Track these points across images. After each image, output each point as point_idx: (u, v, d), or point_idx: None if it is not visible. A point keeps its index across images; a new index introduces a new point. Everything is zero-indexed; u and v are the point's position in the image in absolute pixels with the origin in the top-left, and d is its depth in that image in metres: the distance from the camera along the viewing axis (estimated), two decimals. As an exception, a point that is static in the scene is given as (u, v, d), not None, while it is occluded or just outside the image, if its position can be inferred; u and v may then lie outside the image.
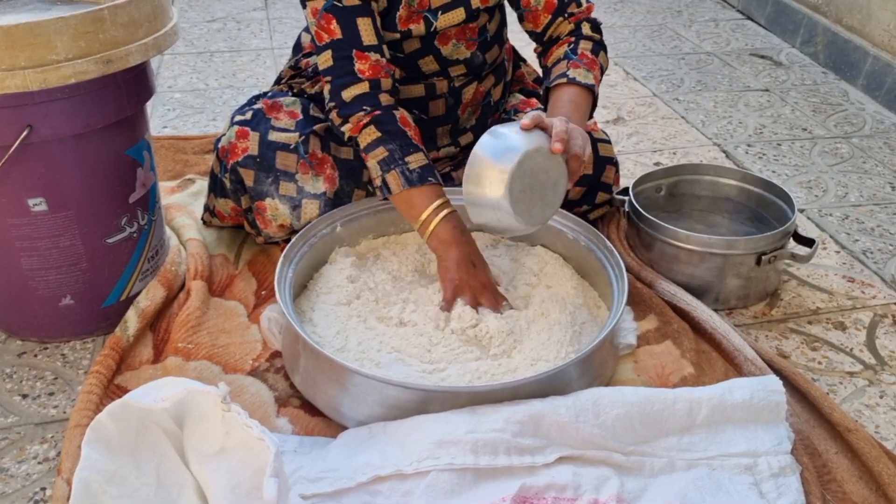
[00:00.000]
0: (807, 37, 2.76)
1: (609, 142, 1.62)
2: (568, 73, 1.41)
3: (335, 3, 1.35)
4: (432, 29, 1.45)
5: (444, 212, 1.33)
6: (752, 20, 3.06)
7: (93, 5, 1.26)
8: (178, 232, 1.63)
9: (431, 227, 1.33)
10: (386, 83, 1.38)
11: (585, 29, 1.47)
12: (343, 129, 1.39)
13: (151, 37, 1.25)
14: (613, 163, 1.61)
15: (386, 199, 1.38)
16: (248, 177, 1.47)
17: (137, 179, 1.38)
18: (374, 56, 1.36)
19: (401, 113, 1.38)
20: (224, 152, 1.49)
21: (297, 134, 1.48)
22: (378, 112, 1.36)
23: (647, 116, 2.32)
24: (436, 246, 1.35)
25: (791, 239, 1.51)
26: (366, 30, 1.36)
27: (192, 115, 2.29)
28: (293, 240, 1.41)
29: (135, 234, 1.40)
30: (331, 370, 1.18)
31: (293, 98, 1.56)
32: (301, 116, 1.51)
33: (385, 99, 1.38)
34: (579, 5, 1.48)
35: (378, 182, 1.37)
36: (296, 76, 1.64)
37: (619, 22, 3.05)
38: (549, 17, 1.48)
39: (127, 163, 1.35)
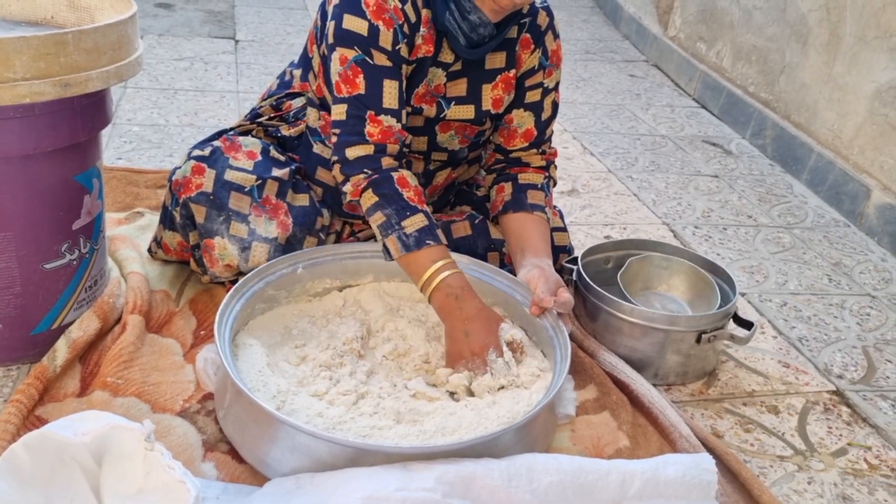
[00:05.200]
0: (756, 129, 2.87)
1: (565, 230, 1.67)
2: (546, 211, 1.53)
3: (367, 58, 1.35)
4: (442, 115, 1.47)
5: (438, 278, 1.33)
6: (706, 109, 3.19)
7: (58, 29, 1.25)
8: (121, 264, 1.59)
9: (428, 296, 1.35)
10: (392, 148, 1.37)
11: (553, 171, 1.60)
12: (344, 188, 1.39)
13: (114, 65, 1.24)
14: (567, 250, 1.66)
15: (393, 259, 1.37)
16: (200, 213, 1.45)
17: (84, 206, 1.35)
18: (387, 121, 1.36)
19: (399, 174, 1.37)
20: (177, 185, 1.47)
21: (255, 177, 1.47)
22: (376, 175, 1.35)
23: (601, 191, 2.37)
24: (438, 315, 1.36)
25: (731, 320, 1.54)
26: (390, 92, 1.36)
27: (148, 149, 2.27)
28: (249, 274, 1.39)
29: (74, 262, 1.37)
30: (259, 417, 1.15)
31: (254, 139, 1.56)
32: (260, 158, 1.51)
33: (387, 162, 1.37)
34: (550, 147, 1.59)
35: (381, 246, 1.37)
36: (275, 117, 1.64)
37: (581, 99, 3.15)
38: (525, 144, 1.55)
39: (74, 189, 1.32)
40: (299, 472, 1.11)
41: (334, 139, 1.38)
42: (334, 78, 1.38)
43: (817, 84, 2.59)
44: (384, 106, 1.36)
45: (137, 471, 0.97)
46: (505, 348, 1.34)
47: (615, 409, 1.39)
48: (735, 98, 3.02)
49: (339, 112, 1.37)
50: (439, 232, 1.37)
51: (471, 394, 1.32)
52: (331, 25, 1.37)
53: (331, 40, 1.37)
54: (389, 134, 1.37)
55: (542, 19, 1.49)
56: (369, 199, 1.36)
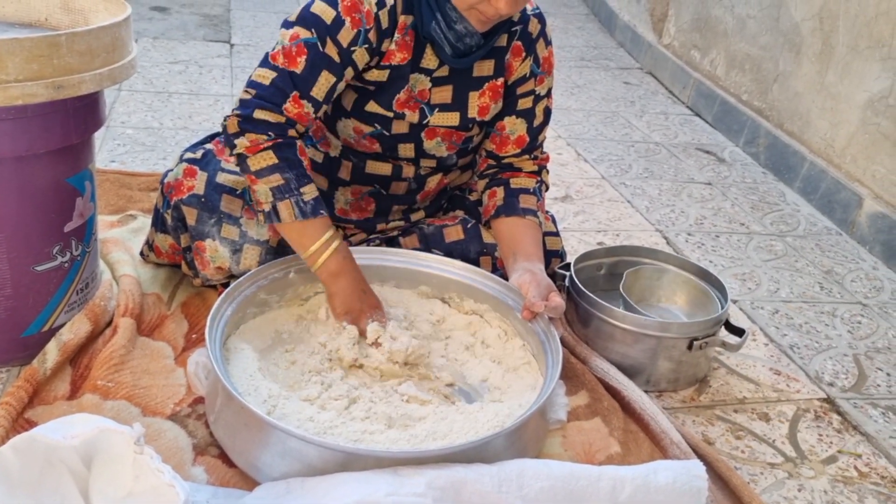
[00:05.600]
0: (750, 137, 2.89)
1: (558, 234, 1.67)
2: (538, 215, 1.53)
3: (318, 43, 1.35)
4: (425, 122, 1.47)
5: (335, 243, 1.38)
6: (700, 117, 3.20)
7: (52, 31, 1.25)
8: (113, 267, 1.59)
9: (322, 260, 1.37)
10: (300, 127, 1.39)
11: (545, 176, 1.61)
12: (236, 141, 1.34)
13: (107, 68, 1.24)
14: (559, 255, 1.66)
15: (268, 224, 1.38)
16: (191, 216, 1.45)
17: (76, 209, 1.35)
18: (307, 107, 1.36)
19: (300, 143, 1.39)
20: (169, 188, 1.47)
21: (246, 179, 1.47)
22: (280, 140, 1.35)
23: (595, 197, 2.38)
24: (325, 277, 1.39)
25: (723, 327, 1.55)
26: (323, 83, 1.36)
27: (142, 152, 2.26)
28: (241, 278, 1.39)
29: (66, 264, 1.36)
30: (250, 421, 1.15)
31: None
32: (252, 161, 1.51)
33: (291, 133, 1.38)
34: (542, 153, 1.60)
35: (266, 207, 1.35)
36: None
37: (575, 105, 3.16)
38: (517, 150, 1.55)
39: (67, 191, 1.32)
40: (290, 477, 1.11)
41: (245, 96, 1.35)
42: (275, 48, 1.36)
43: (810, 93, 2.61)
44: (311, 93, 1.36)
45: (127, 474, 0.97)
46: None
47: (606, 415, 1.39)
48: (728, 106, 3.04)
49: (262, 75, 1.35)
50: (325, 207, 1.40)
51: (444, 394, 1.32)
52: (299, 9, 1.38)
53: (292, 19, 1.37)
54: (304, 118, 1.37)
55: (534, 26, 1.49)
56: (268, 159, 1.33)
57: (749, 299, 1.92)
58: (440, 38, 1.37)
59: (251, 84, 1.36)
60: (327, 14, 1.34)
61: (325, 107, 1.39)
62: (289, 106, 1.35)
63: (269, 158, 1.34)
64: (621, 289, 1.57)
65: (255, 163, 1.34)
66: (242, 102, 1.35)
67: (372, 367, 1.36)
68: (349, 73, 1.38)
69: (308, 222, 1.35)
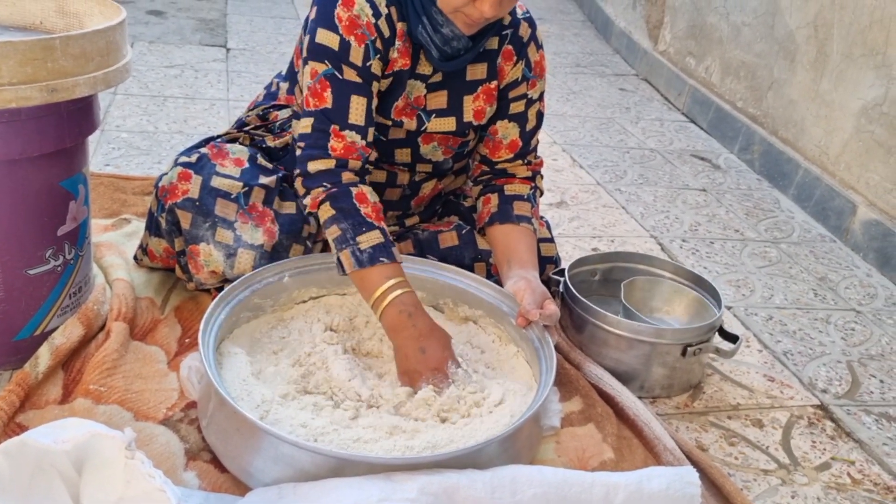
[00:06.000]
0: (744, 144, 2.89)
1: (552, 240, 1.67)
2: (533, 222, 1.52)
3: (336, 73, 1.35)
4: (422, 128, 1.47)
5: (391, 296, 1.32)
6: (695, 123, 3.21)
7: (46, 35, 1.25)
8: (106, 271, 1.58)
9: (379, 313, 1.33)
10: (354, 164, 1.37)
11: (539, 182, 1.60)
12: (304, 201, 1.39)
13: (102, 71, 1.23)
14: (553, 261, 1.66)
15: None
16: (185, 219, 1.44)
17: (69, 212, 1.35)
18: (351, 137, 1.36)
19: (358, 190, 1.37)
20: (163, 191, 1.47)
21: (241, 184, 1.47)
22: (335, 189, 1.35)
23: (590, 203, 2.38)
24: (387, 333, 1.35)
25: (717, 334, 1.55)
26: (356, 108, 1.36)
27: (136, 156, 2.26)
28: (234, 283, 1.39)
29: (59, 268, 1.36)
30: (242, 426, 1.14)
31: (241, 147, 1.56)
32: (247, 165, 1.51)
33: (347, 177, 1.37)
34: (536, 157, 1.60)
35: (335, 259, 1.37)
36: (260, 127, 1.64)
37: (571, 111, 3.16)
38: (510, 155, 1.55)
39: (60, 194, 1.32)
40: (282, 482, 1.11)
41: (299, 152, 1.38)
42: (304, 91, 1.39)
43: (804, 100, 2.62)
44: (349, 121, 1.36)
45: (118, 479, 0.97)
46: (461, 360, 1.34)
47: (600, 421, 1.39)
48: (723, 113, 3.05)
49: (305, 125, 1.38)
50: (395, 250, 1.36)
51: (442, 419, 1.28)
52: (306, 39, 1.39)
53: (304, 54, 1.38)
54: (352, 150, 1.37)
55: (524, 30, 1.50)
56: (326, 212, 1.36)
57: (743, 306, 1.92)
58: (427, 42, 1.37)
59: (299, 137, 1.38)
60: (332, 41, 1.34)
61: (371, 130, 1.38)
62: (333, 144, 1.36)
63: (327, 211, 1.35)
64: (622, 299, 1.57)
65: (321, 217, 1.37)
66: (299, 159, 1.38)
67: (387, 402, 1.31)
68: (375, 87, 1.39)
69: (365, 272, 1.33)
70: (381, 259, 1.33)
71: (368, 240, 1.34)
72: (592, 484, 1.14)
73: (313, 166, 1.37)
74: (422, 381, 1.30)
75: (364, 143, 1.38)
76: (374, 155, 1.44)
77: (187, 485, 1.16)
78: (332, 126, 1.36)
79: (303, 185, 1.38)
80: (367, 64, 1.36)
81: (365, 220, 1.35)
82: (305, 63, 1.38)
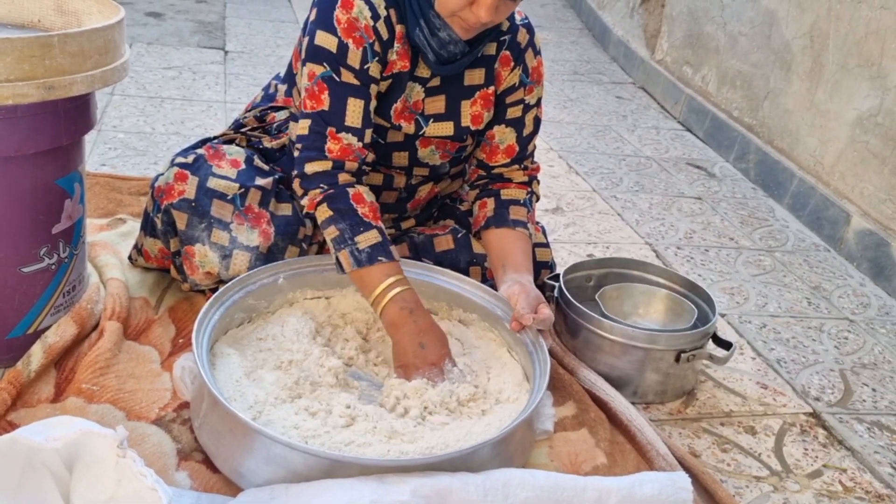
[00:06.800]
0: (740, 153, 2.90)
1: (548, 246, 1.67)
2: (528, 227, 1.53)
3: (333, 75, 1.36)
4: (420, 133, 1.48)
5: (391, 293, 1.33)
6: (691, 132, 3.22)
7: (44, 32, 1.25)
8: (101, 270, 1.58)
9: (380, 310, 1.34)
10: (350, 165, 1.38)
11: (535, 187, 1.60)
12: (302, 202, 1.40)
13: (99, 69, 1.23)
14: (549, 266, 1.66)
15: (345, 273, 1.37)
16: (181, 220, 1.44)
17: (64, 211, 1.34)
18: (347, 139, 1.37)
19: (355, 190, 1.38)
20: (159, 192, 1.47)
21: (237, 185, 1.47)
22: (332, 190, 1.37)
23: (585, 210, 2.38)
24: (387, 329, 1.36)
25: (710, 340, 1.55)
26: (353, 110, 1.37)
27: (133, 156, 2.26)
28: (229, 283, 1.39)
29: (53, 266, 1.36)
30: (235, 427, 1.14)
31: (238, 148, 1.56)
32: (243, 166, 1.51)
33: (343, 178, 1.38)
34: (532, 162, 1.60)
35: (334, 259, 1.38)
36: (257, 128, 1.64)
37: (568, 118, 3.17)
38: (507, 160, 1.56)
39: (55, 192, 1.32)
40: (274, 483, 1.10)
41: (296, 153, 1.39)
42: (303, 93, 1.39)
43: (800, 110, 2.63)
44: (346, 123, 1.37)
45: (109, 478, 0.96)
46: (458, 360, 1.35)
47: (593, 426, 1.39)
48: (719, 122, 3.06)
49: (302, 127, 1.39)
50: (393, 249, 1.37)
51: (430, 411, 1.28)
52: (305, 41, 1.39)
53: (303, 55, 1.39)
54: (349, 151, 1.37)
55: (522, 37, 1.50)
56: (324, 213, 1.37)
57: (737, 313, 1.93)
58: (423, 45, 1.38)
59: (297, 139, 1.39)
60: (331, 43, 1.35)
61: (368, 132, 1.39)
62: (330, 146, 1.37)
63: (325, 212, 1.37)
64: (602, 308, 1.56)
65: (318, 218, 1.38)
66: (296, 161, 1.39)
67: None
68: (373, 89, 1.39)
69: (364, 270, 1.34)
70: (380, 258, 1.34)
71: (366, 239, 1.34)
72: (585, 488, 1.14)
73: (310, 168, 1.37)
74: (417, 375, 1.31)
75: (360, 144, 1.38)
76: (370, 157, 1.44)
77: (179, 485, 1.15)
78: (329, 128, 1.36)
79: (300, 186, 1.39)
80: (365, 67, 1.36)
81: (362, 220, 1.36)
82: (304, 65, 1.38)
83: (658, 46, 3.62)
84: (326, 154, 1.37)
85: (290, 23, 3.87)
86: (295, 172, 1.40)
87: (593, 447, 1.34)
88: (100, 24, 1.23)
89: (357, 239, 1.34)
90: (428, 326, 1.35)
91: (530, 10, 4.65)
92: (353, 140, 1.37)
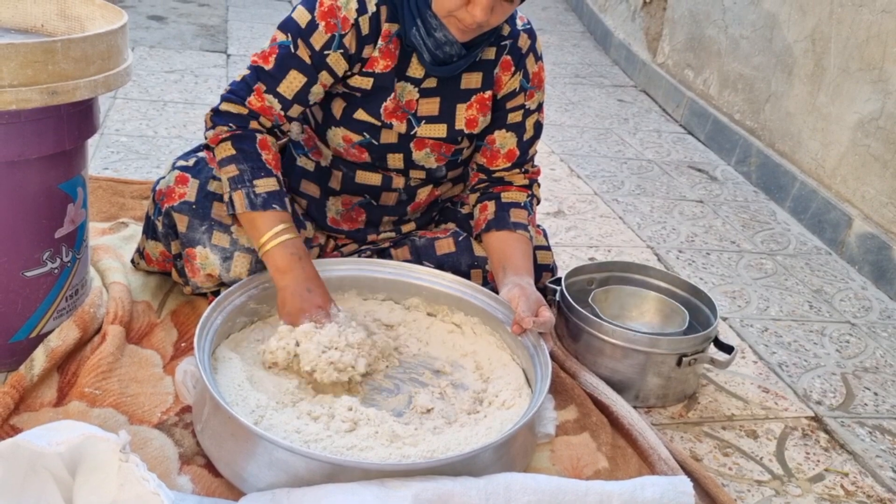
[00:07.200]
0: (741, 157, 2.91)
1: (549, 248, 1.67)
2: (529, 229, 1.53)
3: (290, 46, 1.38)
4: (413, 132, 1.48)
5: (282, 238, 1.35)
6: (692, 135, 3.22)
7: (47, 38, 1.25)
8: (103, 274, 1.58)
9: (267, 253, 1.36)
10: (265, 121, 1.41)
11: (536, 190, 1.61)
12: (206, 134, 1.42)
13: (102, 74, 1.24)
14: (550, 269, 1.66)
15: (233, 214, 1.39)
16: (182, 222, 1.45)
17: (67, 215, 1.35)
18: (271, 101, 1.40)
19: (263, 136, 1.41)
20: (160, 195, 1.47)
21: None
22: (240, 131, 1.39)
23: (587, 213, 2.39)
24: (273, 273, 1.38)
25: (712, 344, 1.55)
26: (291, 82, 1.39)
27: (135, 160, 2.26)
28: (231, 287, 1.39)
29: (56, 271, 1.36)
30: (237, 431, 1.14)
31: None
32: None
33: (254, 125, 1.41)
34: (533, 166, 1.61)
35: (226, 197, 1.39)
36: None
37: (569, 122, 3.17)
38: (507, 164, 1.56)
39: (58, 197, 1.32)
40: (276, 488, 1.11)
41: (221, 93, 1.42)
42: (260, 50, 1.42)
43: (802, 113, 2.63)
44: (277, 89, 1.39)
45: (111, 482, 0.97)
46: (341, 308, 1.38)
47: (595, 430, 1.39)
48: (721, 125, 3.06)
49: (239, 75, 1.42)
50: (287, 200, 1.39)
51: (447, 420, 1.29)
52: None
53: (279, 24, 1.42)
54: (268, 112, 1.41)
55: (524, 42, 1.50)
56: (226, 150, 1.38)
57: (738, 317, 1.93)
58: (419, 45, 1.38)
59: (231, 83, 1.43)
60: (303, 18, 1.38)
61: (296, 107, 1.41)
62: (252, 99, 1.39)
63: (227, 149, 1.38)
64: (597, 311, 1.56)
65: (218, 153, 1.39)
66: (219, 99, 1.42)
67: (321, 380, 1.31)
68: (325, 77, 1.40)
69: (258, 214, 1.36)
70: (274, 206, 1.36)
71: (265, 185, 1.37)
72: (586, 492, 1.14)
73: (226, 106, 1.41)
74: (304, 318, 1.34)
75: (282, 112, 1.41)
76: (287, 127, 1.47)
77: (181, 489, 1.15)
78: (258, 84, 1.39)
79: (210, 119, 1.41)
80: (325, 52, 1.38)
81: (264, 166, 1.38)
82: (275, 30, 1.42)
83: (659, 49, 3.62)
84: (246, 103, 1.40)
85: (292, 26, 3.88)
86: (211, 107, 1.42)
87: (595, 451, 1.34)
88: (103, 30, 1.24)
89: (256, 183, 1.36)
90: (314, 275, 1.38)
91: (532, 13, 4.66)
92: (276, 105, 1.40)
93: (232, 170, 1.37)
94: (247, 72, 1.41)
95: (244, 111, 1.40)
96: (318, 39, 1.37)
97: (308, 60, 1.38)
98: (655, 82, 3.59)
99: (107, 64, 1.25)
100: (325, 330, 1.33)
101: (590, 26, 4.56)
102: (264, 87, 1.39)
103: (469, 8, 1.28)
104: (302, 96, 1.40)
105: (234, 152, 1.37)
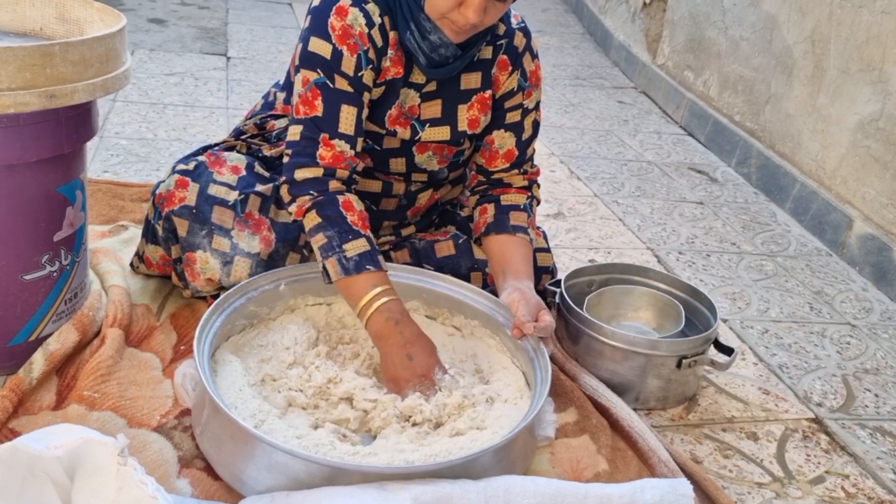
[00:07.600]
0: (742, 158, 2.90)
1: (549, 250, 1.67)
2: (529, 232, 1.53)
3: (328, 81, 1.36)
4: (416, 138, 1.48)
5: (378, 303, 1.32)
6: (692, 137, 3.22)
7: (46, 41, 1.25)
8: (102, 277, 1.58)
9: (366, 321, 1.33)
10: (342, 173, 1.38)
11: (535, 191, 1.60)
12: (290, 209, 1.39)
13: (101, 78, 1.24)
14: (550, 271, 1.66)
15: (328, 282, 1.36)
16: (182, 226, 1.45)
17: (66, 218, 1.35)
18: (340, 146, 1.37)
19: (345, 198, 1.37)
20: (160, 199, 1.47)
21: (237, 192, 1.47)
22: (321, 197, 1.36)
23: (587, 215, 2.38)
24: (373, 340, 1.35)
25: (712, 346, 1.55)
26: (346, 118, 1.37)
27: (135, 162, 2.26)
28: (231, 290, 1.39)
29: (55, 274, 1.36)
30: (236, 434, 1.14)
31: (239, 155, 1.56)
32: (244, 173, 1.51)
33: (334, 186, 1.37)
34: (532, 166, 1.60)
35: (320, 267, 1.37)
36: (257, 136, 1.65)
37: (569, 123, 3.17)
38: (506, 164, 1.56)
39: (57, 200, 1.32)
40: (275, 491, 1.10)
41: (286, 160, 1.39)
42: (295, 100, 1.39)
43: (802, 115, 2.63)
44: (339, 130, 1.37)
45: (110, 486, 0.96)
46: (447, 366, 1.33)
47: (595, 432, 1.39)
48: (721, 126, 3.06)
49: (294, 133, 1.38)
50: (380, 258, 1.36)
51: (435, 425, 1.28)
52: (298, 47, 1.39)
53: (296, 62, 1.39)
54: (341, 159, 1.37)
55: (519, 40, 1.50)
56: (312, 219, 1.36)
57: (739, 318, 1.92)
58: (415, 49, 1.38)
59: (287, 145, 1.39)
60: (325, 50, 1.35)
61: (360, 140, 1.39)
62: (322, 152, 1.36)
63: (314, 219, 1.36)
64: (586, 313, 1.55)
65: (306, 224, 1.37)
66: (286, 167, 1.38)
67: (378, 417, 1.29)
68: (366, 97, 1.39)
69: (352, 279, 1.33)
70: (368, 267, 1.33)
71: (355, 248, 1.34)
72: (586, 495, 1.14)
73: (300, 174, 1.37)
74: (408, 388, 1.30)
75: (353, 153, 1.38)
76: (361, 165, 1.44)
77: (180, 492, 1.15)
78: (322, 135, 1.36)
79: (289, 192, 1.38)
80: (359, 74, 1.36)
81: (351, 228, 1.35)
82: (297, 71, 1.39)
83: (659, 51, 3.62)
84: (318, 161, 1.37)
85: (291, 29, 3.88)
86: (284, 178, 1.39)
87: (595, 454, 1.34)
88: (101, 33, 1.24)
89: (345, 247, 1.34)
90: (415, 337, 1.33)
91: (531, 14, 4.66)
92: (346, 147, 1.37)
93: (320, 238, 1.34)
94: (298, 127, 1.37)
95: (319, 172, 1.36)
96: (348, 65, 1.35)
97: (350, 89, 1.36)
98: (655, 84, 3.59)
99: (105, 67, 1.25)
100: (434, 399, 1.28)
101: (590, 28, 4.56)
102: (328, 135, 1.36)
103: (462, 9, 1.28)
104: (359, 127, 1.38)
105: (319, 220, 1.35)
